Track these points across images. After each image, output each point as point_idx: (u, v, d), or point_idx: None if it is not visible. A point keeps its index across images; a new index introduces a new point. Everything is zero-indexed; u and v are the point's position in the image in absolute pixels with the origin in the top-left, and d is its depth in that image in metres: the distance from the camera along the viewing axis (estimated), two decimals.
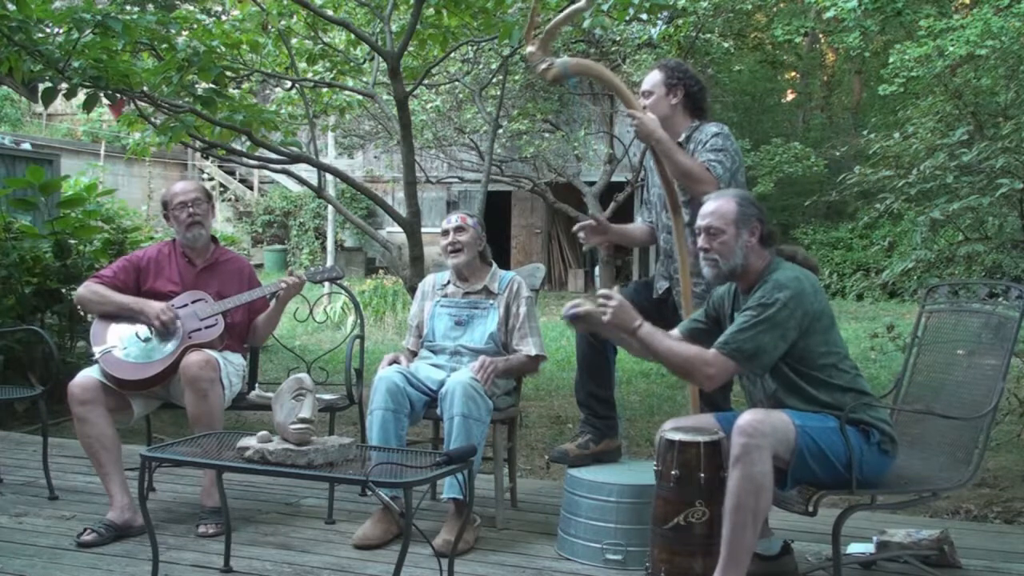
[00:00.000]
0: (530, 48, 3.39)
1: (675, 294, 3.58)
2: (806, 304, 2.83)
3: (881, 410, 2.94)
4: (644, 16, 5.40)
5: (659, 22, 12.17)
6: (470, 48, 8.66)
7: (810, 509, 2.81)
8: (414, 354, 3.94)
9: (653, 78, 3.57)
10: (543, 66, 3.34)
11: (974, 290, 3.30)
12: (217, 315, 3.80)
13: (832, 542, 2.84)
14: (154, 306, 3.74)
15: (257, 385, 4.21)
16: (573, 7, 3.57)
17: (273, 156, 5.59)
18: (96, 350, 3.69)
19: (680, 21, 11.32)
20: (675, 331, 3.18)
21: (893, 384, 3.36)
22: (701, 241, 2.96)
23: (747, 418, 2.73)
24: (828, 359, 2.89)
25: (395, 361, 3.79)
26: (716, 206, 2.95)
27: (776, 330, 2.80)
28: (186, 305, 3.80)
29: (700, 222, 2.97)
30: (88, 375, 3.65)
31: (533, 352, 3.78)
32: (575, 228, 3.66)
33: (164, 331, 3.71)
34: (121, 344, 3.70)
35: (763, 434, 2.69)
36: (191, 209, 3.87)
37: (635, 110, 3.40)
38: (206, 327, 3.77)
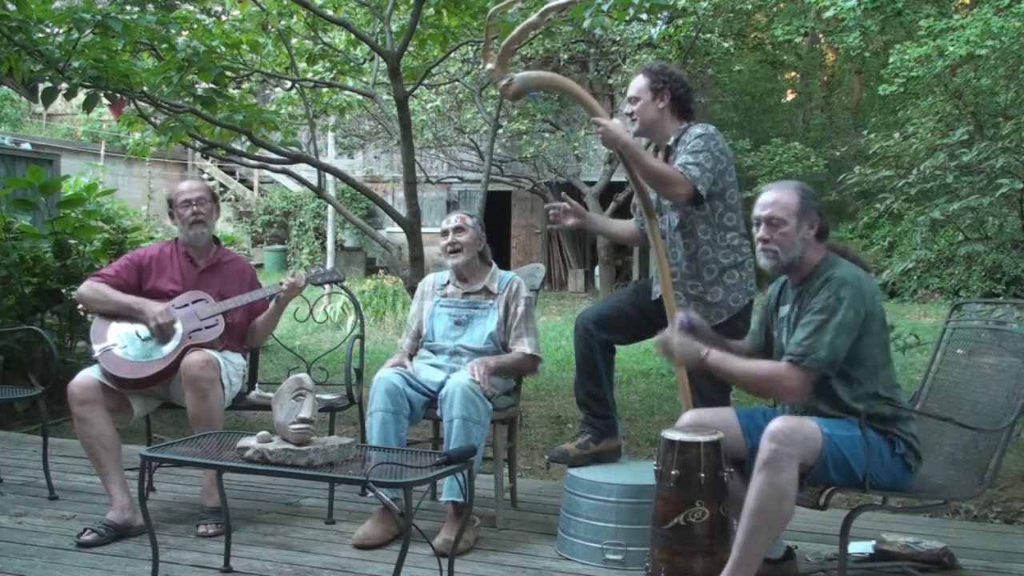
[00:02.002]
0: (489, 65, 3.38)
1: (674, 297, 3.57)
2: (866, 304, 2.80)
3: (912, 425, 2.89)
4: (644, 16, 5.39)
5: (659, 22, 12.18)
6: (470, 48, 8.66)
7: (820, 503, 2.81)
8: (411, 355, 3.93)
9: (639, 83, 3.55)
10: (503, 82, 3.33)
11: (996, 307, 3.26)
12: (217, 315, 3.80)
13: (840, 542, 2.83)
14: (153, 308, 3.73)
15: (257, 385, 4.21)
16: (526, 22, 3.55)
17: (273, 156, 5.59)
18: (96, 348, 3.69)
19: (680, 21, 11.34)
20: (745, 342, 3.18)
21: (913, 394, 3.34)
22: (761, 232, 2.91)
23: (779, 425, 2.69)
24: (876, 364, 2.84)
25: (400, 364, 3.79)
26: (777, 196, 2.90)
27: (846, 331, 2.76)
28: (187, 305, 3.80)
29: (760, 212, 2.92)
30: (88, 375, 3.65)
31: (528, 351, 3.77)
32: (547, 206, 3.63)
33: (160, 333, 3.71)
34: (121, 343, 3.70)
35: (794, 443, 2.66)
36: (195, 208, 3.88)
37: (600, 116, 3.37)
38: (206, 327, 3.77)
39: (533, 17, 3.53)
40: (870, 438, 2.75)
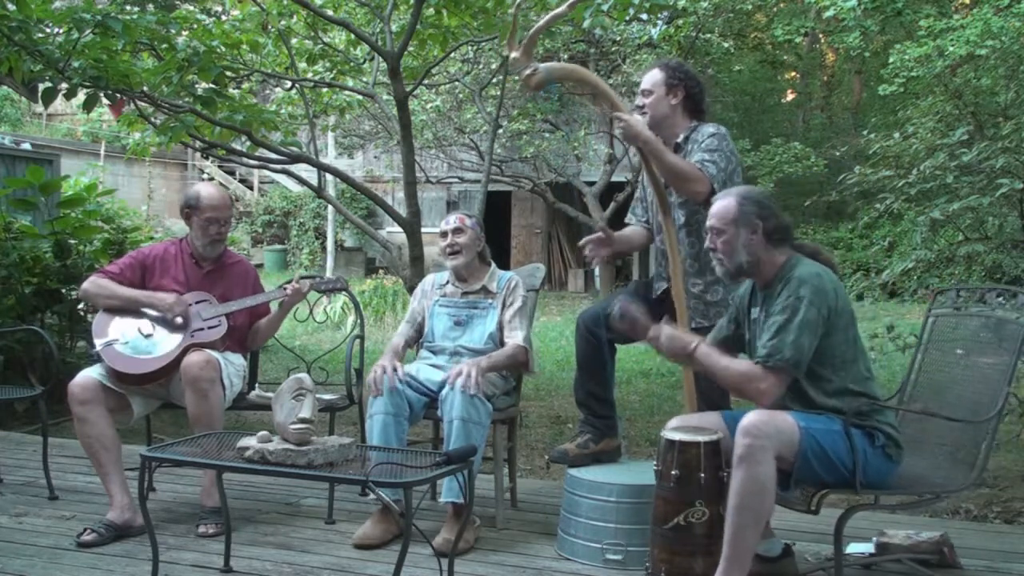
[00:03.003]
0: (514, 54, 3.37)
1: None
2: (828, 300, 2.82)
3: (888, 414, 2.92)
4: (644, 16, 5.41)
5: (659, 22, 12.19)
6: (470, 48, 8.67)
7: (812, 507, 2.82)
8: (408, 345, 3.93)
9: (654, 77, 3.55)
10: (527, 72, 3.32)
11: (985, 299, 3.26)
12: (220, 316, 3.80)
13: (834, 542, 2.84)
14: (166, 299, 3.75)
15: (257, 385, 4.21)
16: (553, 13, 3.55)
17: (273, 156, 5.59)
18: (98, 342, 3.69)
19: (680, 21, 11.34)
20: (707, 340, 3.18)
21: (898, 387, 3.34)
22: (707, 241, 3.00)
23: (751, 419, 2.72)
24: (845, 360, 2.86)
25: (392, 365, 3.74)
26: (718, 206, 2.98)
27: (809, 330, 2.78)
28: (190, 305, 3.80)
29: (707, 223, 3.00)
30: (88, 375, 3.65)
31: (520, 343, 3.73)
32: (582, 242, 3.64)
33: (175, 324, 3.71)
34: (123, 338, 3.70)
35: (767, 435, 2.69)
36: (220, 227, 3.87)
37: (621, 111, 3.37)
38: (209, 327, 3.77)
39: (562, 8, 3.52)
40: (852, 435, 2.77)
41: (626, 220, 3.89)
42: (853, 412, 2.79)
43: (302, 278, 4.04)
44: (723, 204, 2.97)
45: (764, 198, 2.99)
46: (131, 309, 3.77)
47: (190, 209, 3.89)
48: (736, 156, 3.48)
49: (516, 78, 12.98)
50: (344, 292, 4.17)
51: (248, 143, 5.45)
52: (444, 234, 3.86)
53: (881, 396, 2.97)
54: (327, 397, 3.87)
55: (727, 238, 2.93)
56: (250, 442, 2.85)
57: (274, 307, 4.07)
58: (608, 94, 3.46)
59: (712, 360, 2.90)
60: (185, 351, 3.66)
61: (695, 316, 3.51)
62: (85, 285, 3.88)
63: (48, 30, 4.61)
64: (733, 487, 2.70)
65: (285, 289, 3.96)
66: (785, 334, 2.78)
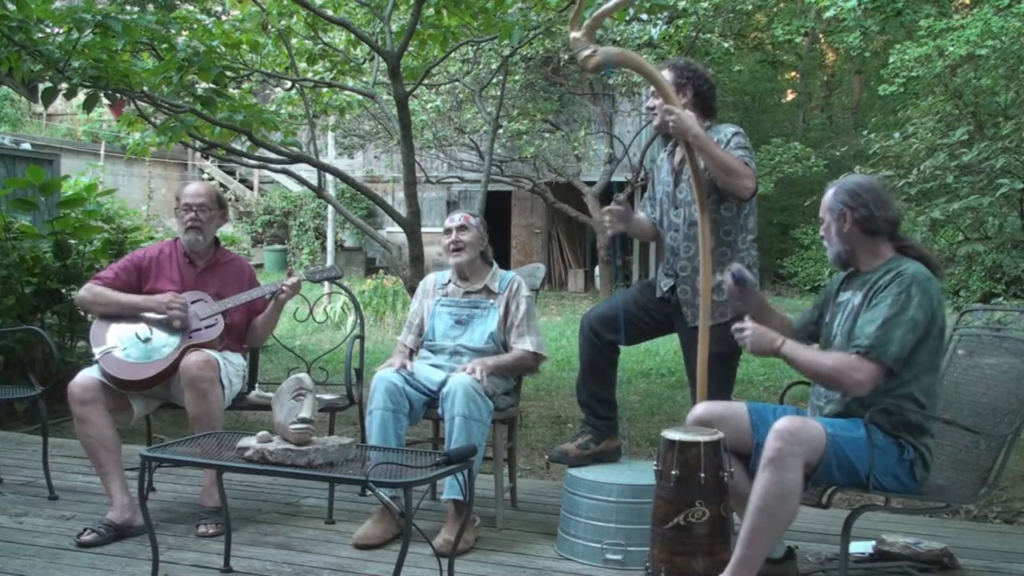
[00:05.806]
0: (574, 34, 3.33)
1: (679, 292, 3.56)
2: (933, 305, 2.79)
3: (928, 438, 2.87)
4: (644, 16, 5.40)
5: (659, 22, 12.20)
6: (470, 48, 8.67)
7: (823, 502, 2.82)
8: (412, 351, 3.94)
9: (663, 78, 3.55)
10: (586, 52, 3.26)
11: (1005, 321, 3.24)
12: (216, 315, 3.80)
13: (841, 541, 2.83)
14: (160, 298, 3.74)
15: (257, 385, 4.21)
16: None
17: (273, 156, 5.59)
18: (96, 351, 3.69)
19: (680, 21, 11.34)
20: (796, 318, 3.18)
21: None
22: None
23: (785, 424, 2.70)
24: (923, 368, 2.82)
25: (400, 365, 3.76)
26: (824, 196, 3.01)
27: (915, 330, 2.74)
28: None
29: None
30: (88, 375, 3.65)
31: (531, 348, 3.77)
32: (604, 210, 3.63)
33: (173, 326, 3.71)
34: (121, 345, 3.69)
35: (799, 442, 2.67)
36: (192, 213, 3.88)
37: (674, 106, 3.35)
38: (206, 327, 3.77)
39: None
40: (876, 439, 2.75)
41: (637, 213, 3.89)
42: (876, 410, 2.76)
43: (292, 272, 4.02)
44: (826, 193, 3.00)
45: (862, 188, 2.94)
46: (129, 315, 3.77)
47: (177, 204, 3.95)
48: None
49: (516, 78, 12.96)
50: (338, 279, 4.16)
51: (248, 143, 5.45)
52: (448, 231, 3.86)
53: (933, 414, 2.91)
54: (327, 397, 3.87)
55: (825, 226, 2.98)
56: (250, 442, 2.85)
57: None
58: (662, 85, 3.41)
59: (798, 354, 2.85)
60: (184, 352, 3.66)
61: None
62: (81, 293, 3.88)
63: (48, 30, 4.61)
64: (757, 489, 2.68)
65: (282, 286, 3.92)
66: (893, 329, 2.73)
